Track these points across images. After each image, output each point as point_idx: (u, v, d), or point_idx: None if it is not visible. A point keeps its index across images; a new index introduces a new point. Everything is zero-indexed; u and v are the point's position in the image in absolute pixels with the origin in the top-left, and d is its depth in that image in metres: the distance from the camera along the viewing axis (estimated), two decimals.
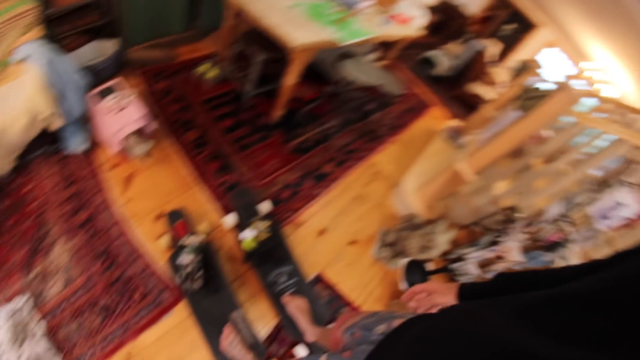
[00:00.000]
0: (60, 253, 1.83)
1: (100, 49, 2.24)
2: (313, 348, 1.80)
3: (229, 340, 1.63)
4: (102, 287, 1.77)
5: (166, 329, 1.74)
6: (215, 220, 2.04)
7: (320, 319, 1.88)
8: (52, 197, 1.95)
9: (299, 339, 1.80)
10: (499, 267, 2.00)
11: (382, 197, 2.54)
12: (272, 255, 1.91)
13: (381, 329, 0.78)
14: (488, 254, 2.03)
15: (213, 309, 1.75)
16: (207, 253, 1.80)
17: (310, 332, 1.69)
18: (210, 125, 2.33)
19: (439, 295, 0.81)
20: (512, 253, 1.97)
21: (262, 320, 1.87)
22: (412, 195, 2.45)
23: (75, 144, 1.98)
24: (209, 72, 2.47)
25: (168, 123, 2.27)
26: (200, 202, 2.06)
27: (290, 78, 2.15)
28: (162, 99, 2.36)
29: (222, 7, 2.34)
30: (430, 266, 2.24)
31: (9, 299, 1.78)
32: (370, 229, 2.37)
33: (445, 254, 2.30)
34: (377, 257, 2.28)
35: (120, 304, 1.76)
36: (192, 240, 1.72)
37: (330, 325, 1.85)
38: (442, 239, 2.07)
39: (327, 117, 2.65)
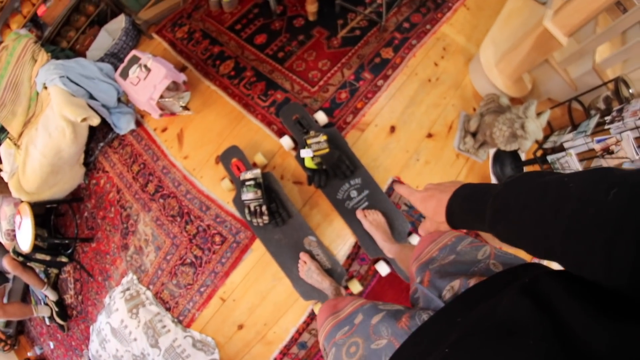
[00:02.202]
0: (144, 227, 2.03)
1: (112, 32, 2.36)
2: (393, 264, 1.66)
3: (306, 267, 1.62)
4: (186, 244, 1.92)
5: (249, 268, 1.82)
6: (272, 147, 1.95)
7: (400, 232, 1.68)
8: (122, 181, 2.17)
9: (379, 255, 1.66)
10: (606, 164, 1.46)
11: (458, 75, 2.06)
12: (337, 169, 1.72)
13: (452, 288, 0.59)
14: (592, 144, 1.49)
15: (285, 240, 1.71)
16: (269, 184, 1.74)
17: (388, 248, 1.53)
18: (244, 49, 2.21)
19: (427, 221, 0.63)
20: (624, 146, 1.37)
21: (339, 241, 1.77)
22: (493, 69, 1.94)
23: (124, 126, 2.17)
24: None
25: (201, 64, 2.26)
26: (253, 133, 2.00)
27: None
28: (188, 43, 2.36)
29: None
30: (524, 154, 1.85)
31: (118, 282, 2.07)
32: (448, 116, 1.96)
33: (540, 141, 1.82)
34: (459, 148, 1.90)
35: (205, 254, 1.89)
36: (249, 176, 1.68)
37: (410, 240, 1.69)
38: (534, 126, 1.57)
39: None
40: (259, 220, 1.64)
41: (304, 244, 1.70)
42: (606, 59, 1.73)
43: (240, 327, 1.80)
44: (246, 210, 1.66)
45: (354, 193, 1.73)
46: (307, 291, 1.65)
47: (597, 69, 1.76)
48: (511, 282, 0.49)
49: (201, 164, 2.00)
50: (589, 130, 1.55)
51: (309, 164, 1.72)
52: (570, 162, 1.58)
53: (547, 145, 1.78)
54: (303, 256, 1.65)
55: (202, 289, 1.85)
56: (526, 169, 1.86)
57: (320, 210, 1.80)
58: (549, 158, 1.67)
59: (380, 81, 1.99)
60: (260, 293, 1.78)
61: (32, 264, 2.23)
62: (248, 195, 1.65)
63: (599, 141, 1.47)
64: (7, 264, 2.17)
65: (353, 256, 1.75)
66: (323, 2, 2.16)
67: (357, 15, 2.20)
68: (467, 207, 0.51)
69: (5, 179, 2.07)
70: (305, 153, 1.71)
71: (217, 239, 1.87)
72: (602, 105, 1.69)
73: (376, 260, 1.71)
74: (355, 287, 1.67)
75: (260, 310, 1.78)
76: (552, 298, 0.35)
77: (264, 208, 1.63)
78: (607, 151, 1.45)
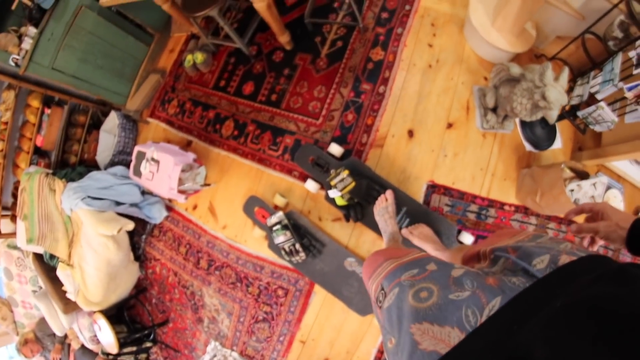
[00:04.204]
0: (210, 299, 2.14)
1: (111, 130, 2.40)
2: None
3: (383, 205, 1.61)
4: (253, 304, 2.02)
5: (318, 308, 1.90)
6: (301, 192, 1.96)
7: (449, 236, 1.67)
8: (175, 264, 2.29)
9: None
10: None
11: (457, 48, 1.90)
12: (369, 198, 1.71)
13: (543, 262, 0.57)
14: (622, 89, 1.32)
15: (327, 267, 1.79)
16: (295, 222, 1.81)
17: (441, 256, 1.52)
18: (237, 104, 2.20)
19: (605, 224, 0.69)
20: None
21: None
22: (490, 31, 1.77)
23: (157, 215, 2.25)
24: (197, 58, 2.30)
25: (203, 134, 2.28)
26: (277, 185, 2.01)
27: None
28: (183, 116, 2.37)
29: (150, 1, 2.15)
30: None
31: (204, 351, 2.21)
32: (462, 97, 1.83)
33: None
34: (483, 127, 1.80)
35: (273, 308, 1.98)
36: (274, 220, 1.76)
37: (461, 239, 1.67)
38: (556, 92, 1.40)
39: (335, 1, 2.09)
40: (297, 258, 1.74)
41: (345, 266, 1.77)
42: None
43: None
44: (282, 252, 1.75)
45: None
46: (362, 308, 1.75)
47: None
48: (603, 265, 0.50)
49: (241, 229, 2.04)
50: (616, 77, 1.42)
51: (340, 202, 1.73)
52: (603, 115, 1.46)
53: (574, 101, 1.66)
54: (389, 194, 1.62)
55: (281, 338, 1.95)
56: (558, 125, 1.79)
57: (367, 238, 1.82)
58: (580, 114, 1.56)
59: (382, 87, 1.89)
60: (335, 327, 1.86)
61: (122, 358, 2.43)
62: (279, 238, 1.73)
63: (630, 88, 1.34)
64: None
65: None
66: (294, 26, 2.08)
67: (332, 25, 2.09)
68: None
69: (73, 299, 2.21)
70: (333, 194, 1.72)
71: (280, 292, 1.94)
72: (618, 34, 1.49)
73: None
74: None
75: (340, 341, 1.86)
76: None
77: (297, 246, 1.72)
78: None
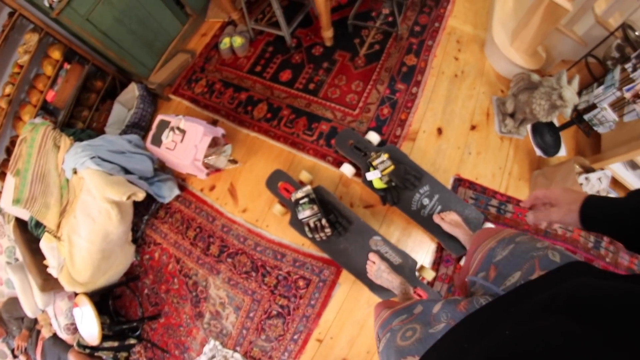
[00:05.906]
0: (217, 290, 1.92)
1: (126, 102, 2.24)
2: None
3: (375, 267, 1.58)
4: (268, 296, 1.81)
5: (341, 302, 1.74)
6: (333, 178, 1.90)
7: (476, 224, 1.70)
8: (180, 249, 2.05)
9: (461, 253, 1.67)
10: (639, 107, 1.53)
11: (478, 63, 2.12)
12: (406, 182, 1.71)
13: (514, 278, 0.62)
14: (621, 93, 1.56)
15: (352, 247, 1.68)
16: (322, 197, 1.69)
17: (470, 242, 1.52)
18: (272, 89, 2.16)
19: (557, 211, 0.65)
20: None
21: (421, 250, 1.77)
22: (509, 49, 2.01)
23: (168, 194, 2.03)
24: (235, 41, 2.25)
25: (232, 114, 2.18)
26: (309, 169, 1.93)
27: None
28: (211, 96, 2.27)
29: None
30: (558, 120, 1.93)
31: (199, 352, 1.95)
32: (483, 104, 2.01)
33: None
34: (502, 131, 1.95)
35: (291, 301, 1.78)
36: (301, 194, 1.63)
37: (487, 225, 1.72)
38: (570, 93, 1.61)
39: (377, 6, 2.27)
40: (322, 234, 1.60)
41: (370, 245, 1.66)
42: (605, 10, 1.80)
43: None
44: (306, 229, 1.62)
45: (426, 201, 1.71)
46: (384, 292, 1.61)
47: (600, 21, 1.82)
48: (560, 282, 0.53)
49: (263, 213, 1.90)
50: (617, 82, 1.60)
51: (378, 184, 1.69)
52: (606, 115, 1.64)
53: (581, 106, 1.84)
54: (372, 256, 1.60)
55: (295, 337, 1.74)
56: (562, 133, 1.95)
57: (397, 226, 1.77)
58: (586, 117, 1.72)
59: (414, 88, 2.00)
60: (358, 323, 1.70)
61: (99, 354, 2.07)
62: (305, 213, 1.60)
63: (628, 89, 1.53)
64: (73, 359, 2.02)
65: (438, 261, 1.73)
66: (335, 25, 2.15)
67: (370, 30, 2.21)
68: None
69: (55, 275, 1.88)
70: (373, 175, 1.68)
71: (301, 283, 1.78)
72: (616, 54, 1.75)
73: (459, 258, 1.71)
74: (429, 274, 1.65)
75: (360, 340, 1.69)
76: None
77: (323, 221, 1.59)
78: (638, 96, 1.52)
